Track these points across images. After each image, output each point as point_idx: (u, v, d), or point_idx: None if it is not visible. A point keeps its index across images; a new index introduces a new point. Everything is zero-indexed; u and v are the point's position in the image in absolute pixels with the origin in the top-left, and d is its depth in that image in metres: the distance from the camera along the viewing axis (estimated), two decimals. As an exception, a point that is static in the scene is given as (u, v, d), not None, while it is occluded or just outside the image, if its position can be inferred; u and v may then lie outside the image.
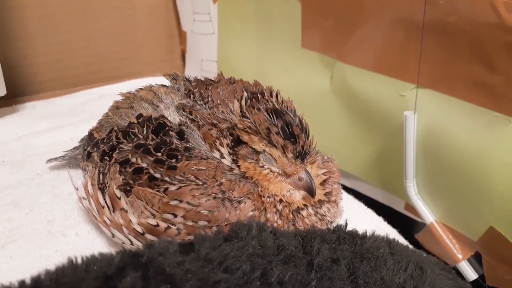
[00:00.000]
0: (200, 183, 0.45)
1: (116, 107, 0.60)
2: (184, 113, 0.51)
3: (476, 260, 0.61)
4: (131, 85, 0.99)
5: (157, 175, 0.46)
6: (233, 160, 0.47)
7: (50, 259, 0.53)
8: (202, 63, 1.02)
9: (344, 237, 0.44)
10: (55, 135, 0.81)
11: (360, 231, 0.47)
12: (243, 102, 0.47)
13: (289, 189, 0.47)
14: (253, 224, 0.41)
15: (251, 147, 0.46)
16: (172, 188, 0.45)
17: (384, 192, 0.73)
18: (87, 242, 0.57)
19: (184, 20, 1.04)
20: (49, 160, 0.70)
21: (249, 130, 0.45)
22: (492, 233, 0.55)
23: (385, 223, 0.65)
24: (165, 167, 0.46)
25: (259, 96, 0.46)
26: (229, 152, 0.47)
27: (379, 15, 0.62)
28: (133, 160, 0.48)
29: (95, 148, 0.55)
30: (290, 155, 0.45)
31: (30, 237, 0.57)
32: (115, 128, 0.53)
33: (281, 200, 0.47)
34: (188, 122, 0.50)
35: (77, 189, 0.55)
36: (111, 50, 1.03)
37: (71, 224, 0.59)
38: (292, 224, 0.47)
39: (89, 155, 0.55)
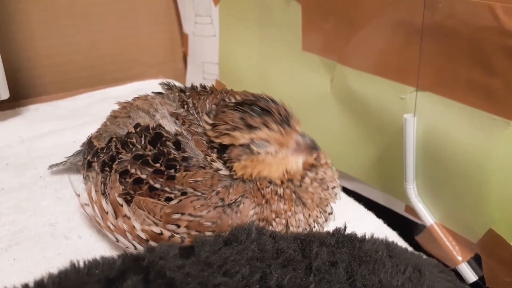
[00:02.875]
0: (199, 194, 0.45)
1: (113, 116, 0.61)
2: (178, 121, 0.52)
3: (476, 262, 0.62)
4: (133, 87, 1.00)
5: (157, 185, 0.46)
6: (226, 166, 0.47)
7: (53, 262, 0.54)
8: (203, 65, 1.02)
9: (343, 240, 0.44)
10: (58, 138, 0.81)
11: (359, 233, 0.47)
12: (210, 116, 0.48)
13: (291, 163, 0.47)
14: (252, 228, 0.41)
15: (240, 145, 0.45)
16: (173, 201, 0.45)
17: (384, 194, 0.73)
18: (90, 245, 0.57)
19: (186, 23, 1.04)
20: (51, 166, 0.70)
21: (226, 132, 0.45)
22: (492, 235, 0.55)
23: (385, 225, 0.65)
24: (165, 177, 0.46)
25: (221, 102, 0.48)
26: (220, 162, 0.47)
27: (379, 18, 0.62)
28: (132, 171, 0.48)
29: (95, 158, 0.55)
30: (274, 126, 0.44)
31: (33, 240, 0.57)
32: (114, 138, 0.53)
33: (282, 183, 0.47)
34: (184, 131, 0.50)
35: (78, 195, 0.56)
36: (114, 52, 1.03)
37: (73, 227, 0.60)
38: (298, 203, 0.47)
39: (89, 165, 0.55)
